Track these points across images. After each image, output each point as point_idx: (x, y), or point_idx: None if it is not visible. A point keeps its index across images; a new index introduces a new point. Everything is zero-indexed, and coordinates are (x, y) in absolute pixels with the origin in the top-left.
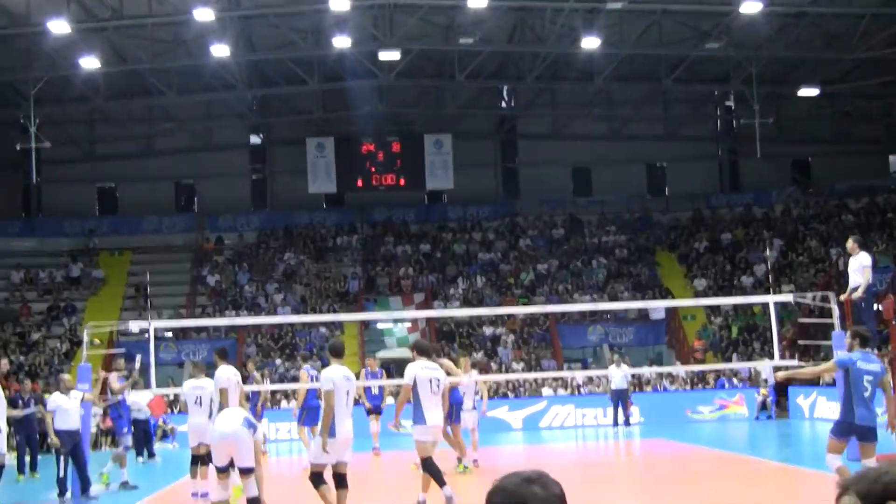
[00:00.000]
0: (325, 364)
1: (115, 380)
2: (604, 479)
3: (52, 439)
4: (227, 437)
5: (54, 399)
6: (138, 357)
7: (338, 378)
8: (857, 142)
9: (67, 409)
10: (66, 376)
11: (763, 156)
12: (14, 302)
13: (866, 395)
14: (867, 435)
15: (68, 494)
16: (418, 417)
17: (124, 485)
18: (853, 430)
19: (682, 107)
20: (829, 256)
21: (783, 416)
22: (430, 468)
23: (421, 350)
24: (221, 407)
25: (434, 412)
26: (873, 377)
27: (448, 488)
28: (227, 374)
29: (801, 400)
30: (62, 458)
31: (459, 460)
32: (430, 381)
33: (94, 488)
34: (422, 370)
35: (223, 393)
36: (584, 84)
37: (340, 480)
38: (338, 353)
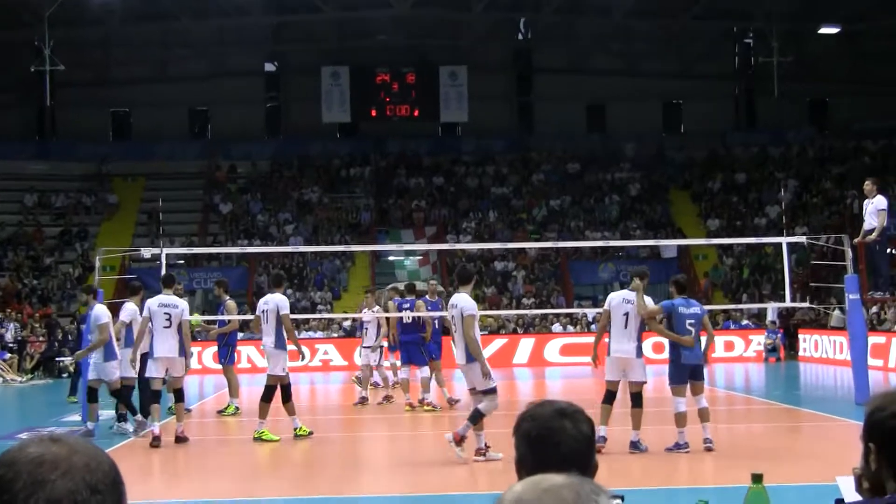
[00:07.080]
0: (335, 296)
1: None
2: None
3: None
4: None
5: None
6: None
7: (153, 305)
8: (877, 83)
9: None
10: None
11: (781, 95)
12: (27, 225)
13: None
14: (694, 373)
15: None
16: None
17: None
18: (684, 370)
19: (699, 44)
20: (844, 198)
21: (793, 357)
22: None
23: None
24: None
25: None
26: (694, 320)
27: None
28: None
29: (810, 342)
30: None
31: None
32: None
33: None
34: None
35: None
36: (601, 18)
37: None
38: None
